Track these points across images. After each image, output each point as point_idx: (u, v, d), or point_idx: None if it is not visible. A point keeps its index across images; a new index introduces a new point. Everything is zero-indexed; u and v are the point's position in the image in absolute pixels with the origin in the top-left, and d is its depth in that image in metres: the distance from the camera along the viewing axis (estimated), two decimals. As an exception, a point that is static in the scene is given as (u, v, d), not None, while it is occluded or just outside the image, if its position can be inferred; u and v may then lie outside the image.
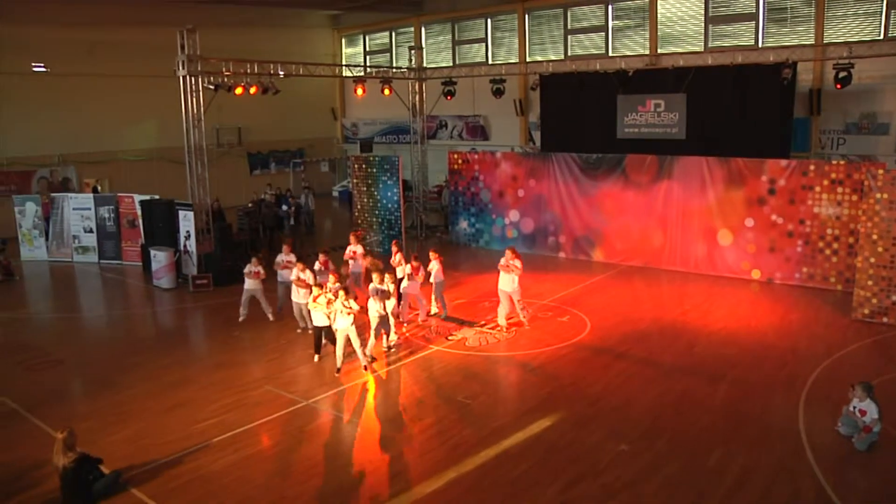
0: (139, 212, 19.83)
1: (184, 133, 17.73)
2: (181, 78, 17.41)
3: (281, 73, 19.76)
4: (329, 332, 12.24)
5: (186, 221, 17.97)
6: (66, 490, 8.13)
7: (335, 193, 34.11)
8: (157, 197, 19.67)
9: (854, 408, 9.17)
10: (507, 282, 13.71)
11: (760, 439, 9.36)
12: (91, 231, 21.09)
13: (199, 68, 17.41)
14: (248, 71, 18.80)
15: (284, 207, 23.30)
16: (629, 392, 10.98)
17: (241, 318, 14.68)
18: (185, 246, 18.07)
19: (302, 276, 13.30)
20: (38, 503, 8.22)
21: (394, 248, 15.25)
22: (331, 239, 23.97)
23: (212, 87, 17.76)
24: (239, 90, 18.39)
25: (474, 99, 29.00)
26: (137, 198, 20.04)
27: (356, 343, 11.76)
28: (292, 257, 14.54)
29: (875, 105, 20.63)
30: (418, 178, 25.13)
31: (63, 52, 25.71)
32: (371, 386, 11.57)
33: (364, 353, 11.95)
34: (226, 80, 18.12)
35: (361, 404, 10.96)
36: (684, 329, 13.91)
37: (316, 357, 12.49)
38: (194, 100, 17.60)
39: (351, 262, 15.37)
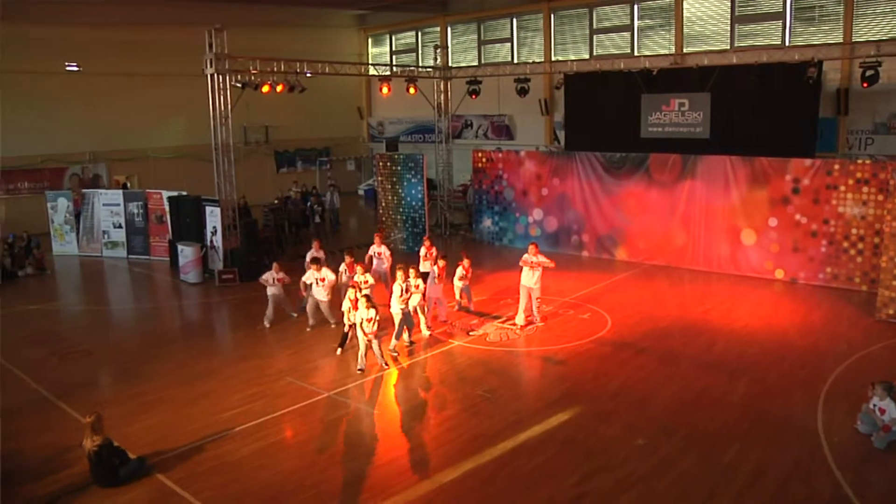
0: (167, 208, 20.21)
1: (211, 130, 18.04)
2: (209, 76, 17.73)
3: (308, 73, 20.04)
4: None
5: (213, 217, 18.31)
6: (94, 472, 8.41)
7: (360, 192, 34.38)
8: (184, 193, 20.04)
9: (874, 406, 9.15)
10: (529, 277, 13.81)
11: (777, 436, 9.36)
12: (120, 226, 21.54)
13: (226, 67, 17.72)
14: (275, 69, 19.06)
15: (314, 205, 23.53)
16: (648, 388, 11.03)
17: (266, 325, 14.42)
18: (211, 241, 18.42)
19: (317, 275, 13.48)
20: (69, 484, 8.48)
21: (426, 243, 15.46)
22: (356, 236, 24.27)
23: (239, 85, 18.08)
24: (266, 88, 18.68)
25: (499, 98, 29.11)
26: (166, 194, 20.42)
27: (377, 350, 11.92)
28: (321, 254, 14.86)
29: (905, 104, 20.41)
30: (443, 177, 25.26)
31: (95, 51, 26.28)
32: (391, 379, 11.73)
33: (382, 353, 12.08)
34: (253, 78, 18.41)
35: (382, 396, 11.14)
36: (706, 327, 13.91)
37: (339, 350, 12.66)
38: (222, 98, 17.90)
39: (375, 261, 15.56)
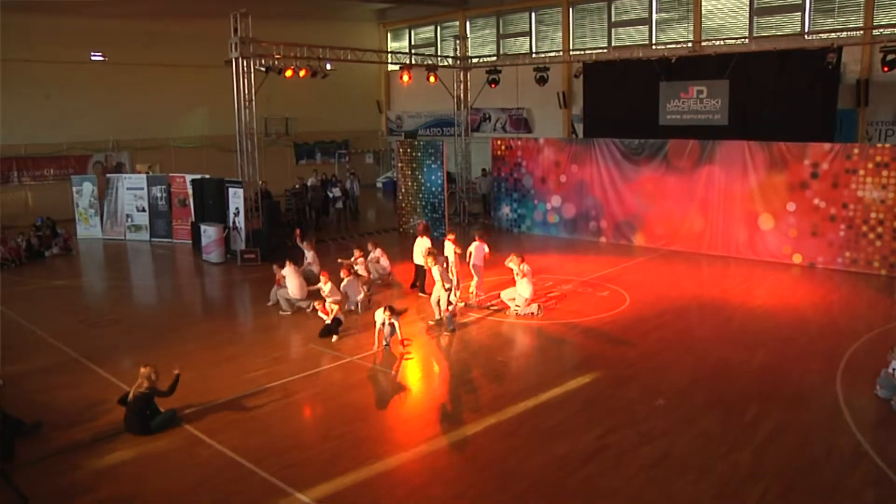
0: (190, 191, 20.52)
1: (235, 113, 18.34)
2: (233, 60, 18.03)
3: (329, 64, 20.14)
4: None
5: (236, 199, 18.60)
6: (127, 419, 8.66)
7: (379, 184, 34.65)
8: (207, 176, 20.34)
9: (893, 370, 9.22)
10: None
11: (796, 400, 9.46)
12: (143, 210, 21.89)
13: (251, 50, 18.00)
14: (298, 56, 19.32)
15: (335, 191, 23.77)
16: (667, 357, 11.14)
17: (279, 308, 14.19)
18: (234, 222, 18.69)
19: (324, 288, 13.13)
20: (101, 431, 8.73)
21: (450, 236, 14.68)
22: (375, 223, 24.56)
23: (263, 69, 18.38)
24: (289, 73, 18.95)
25: (518, 91, 29.33)
26: (189, 177, 20.73)
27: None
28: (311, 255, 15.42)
29: (925, 95, 20.42)
30: (462, 168, 25.42)
31: (119, 42, 26.79)
32: (414, 348, 11.88)
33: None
34: (276, 63, 18.69)
35: (405, 362, 11.29)
36: (724, 305, 13.99)
37: (334, 338, 12.26)
38: (246, 81, 18.20)
39: (375, 266, 15.76)
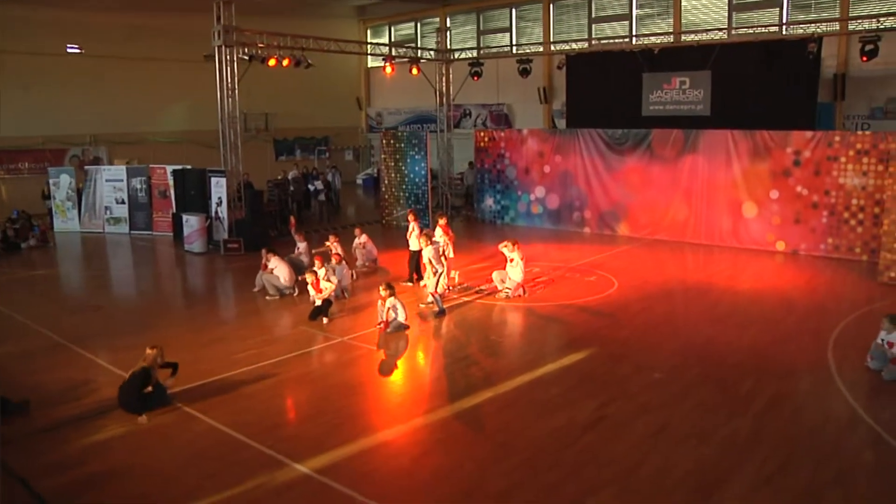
0: (171, 182, 20.23)
1: (217, 102, 18.13)
2: (216, 48, 17.82)
3: (309, 62, 19.86)
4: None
5: (218, 188, 18.36)
6: (121, 395, 8.45)
7: (359, 181, 34.51)
8: (189, 167, 20.08)
9: (882, 340, 9.32)
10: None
11: (790, 374, 9.51)
12: (123, 202, 21.54)
13: (234, 39, 17.81)
14: (281, 45, 19.15)
15: (316, 184, 23.63)
16: (658, 336, 11.17)
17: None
18: (216, 212, 18.46)
19: (319, 271, 12.73)
20: (89, 409, 8.53)
21: (441, 220, 14.36)
22: (357, 217, 24.42)
23: (246, 57, 18.19)
24: (272, 62, 18.76)
25: (498, 87, 29.38)
26: (170, 168, 20.44)
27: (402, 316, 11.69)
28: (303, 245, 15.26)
29: (900, 90, 20.75)
30: (444, 162, 25.34)
31: (98, 34, 26.33)
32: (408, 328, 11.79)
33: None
34: (259, 52, 18.51)
35: (398, 341, 11.18)
36: (710, 289, 14.07)
37: (325, 320, 12.12)
38: (229, 70, 18.00)
39: (361, 252, 15.75)
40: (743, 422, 7.95)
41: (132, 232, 21.42)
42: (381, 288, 11.40)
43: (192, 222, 18.13)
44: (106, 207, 21.69)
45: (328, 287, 12.25)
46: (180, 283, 16.12)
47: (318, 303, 12.16)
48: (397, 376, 9.77)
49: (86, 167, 22.54)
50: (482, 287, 14.03)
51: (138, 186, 21.28)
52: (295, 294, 13.43)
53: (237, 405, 8.68)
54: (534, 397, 8.78)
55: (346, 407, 8.57)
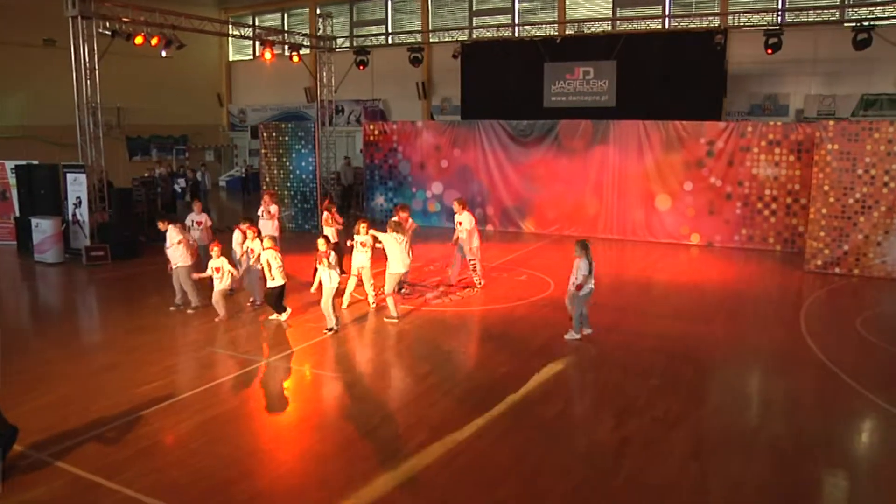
0: (13, 181, 16.93)
1: (74, 85, 15.30)
2: (70, 19, 15.01)
3: (181, 41, 17.36)
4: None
5: (77, 186, 15.45)
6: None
7: (222, 183, 31.59)
8: (35, 162, 16.90)
9: None
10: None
11: (785, 364, 8.88)
12: (-56, 209, 17.85)
13: (92, 9, 15.08)
14: (149, 21, 16.54)
15: (181, 182, 20.96)
16: (625, 335, 10.10)
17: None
18: (74, 215, 15.54)
19: (251, 245, 11.10)
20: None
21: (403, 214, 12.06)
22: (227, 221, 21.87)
23: (108, 32, 15.49)
24: (139, 39, 16.14)
25: (373, 82, 27.72)
26: (10, 164, 17.10)
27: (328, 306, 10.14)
28: (203, 217, 12.85)
29: (777, 87, 21.31)
30: (326, 160, 23.40)
31: None
32: (340, 342, 9.94)
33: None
34: (124, 27, 15.84)
35: (339, 359, 9.35)
36: (652, 282, 13.41)
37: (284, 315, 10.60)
38: (86, 47, 15.24)
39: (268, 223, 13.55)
40: (777, 426, 6.97)
41: (-42, 243, 17.78)
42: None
43: (43, 227, 15.07)
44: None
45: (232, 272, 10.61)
46: (41, 300, 13.22)
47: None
48: (359, 405, 7.89)
49: None
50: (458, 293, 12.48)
51: (-35, 188, 17.69)
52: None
53: (154, 461, 6.42)
54: (537, 418, 7.30)
55: (309, 450, 6.70)
